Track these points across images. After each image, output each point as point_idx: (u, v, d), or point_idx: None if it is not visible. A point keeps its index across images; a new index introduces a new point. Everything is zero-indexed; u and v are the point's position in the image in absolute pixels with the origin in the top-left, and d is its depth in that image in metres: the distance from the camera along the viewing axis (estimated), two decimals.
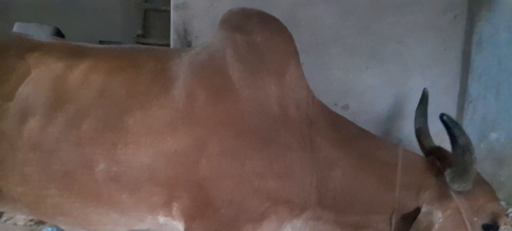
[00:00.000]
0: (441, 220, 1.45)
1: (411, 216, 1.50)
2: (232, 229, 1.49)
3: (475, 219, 1.45)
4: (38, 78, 1.50)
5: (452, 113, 2.47)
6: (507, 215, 1.95)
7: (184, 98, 1.45)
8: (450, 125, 1.39)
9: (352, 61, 2.35)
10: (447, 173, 1.45)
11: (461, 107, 2.43)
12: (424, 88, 1.85)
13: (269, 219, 1.51)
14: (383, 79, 2.39)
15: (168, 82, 1.48)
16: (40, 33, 2.97)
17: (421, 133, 1.80)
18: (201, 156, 1.43)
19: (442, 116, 1.41)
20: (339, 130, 1.60)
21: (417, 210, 1.50)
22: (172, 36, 2.17)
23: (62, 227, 1.68)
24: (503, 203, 2.08)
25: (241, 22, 1.61)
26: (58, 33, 3.17)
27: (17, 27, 3.26)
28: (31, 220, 2.49)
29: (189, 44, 2.12)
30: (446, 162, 1.52)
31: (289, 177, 1.49)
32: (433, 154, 1.64)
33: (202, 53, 1.57)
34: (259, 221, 1.50)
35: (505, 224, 1.86)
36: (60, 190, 1.48)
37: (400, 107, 2.40)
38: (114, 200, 1.50)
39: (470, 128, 2.35)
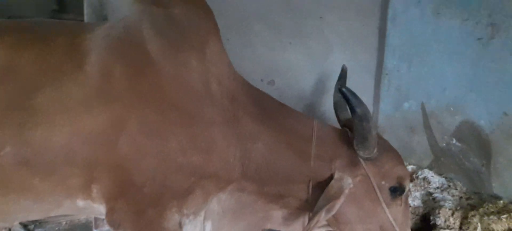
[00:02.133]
0: (351, 185, 1.54)
1: (326, 184, 1.58)
2: (157, 206, 1.45)
3: (383, 182, 1.56)
4: None
5: (370, 86, 2.62)
6: (416, 177, 2.12)
7: (99, 74, 1.36)
8: (348, 96, 1.46)
9: (276, 37, 2.38)
10: (356, 141, 1.54)
11: (378, 80, 2.58)
12: (343, 64, 1.93)
13: (194, 194, 1.50)
14: (306, 55, 2.46)
15: (81, 57, 1.38)
16: None
17: (338, 106, 1.89)
18: (120, 134, 1.36)
19: (340, 88, 1.48)
20: (259, 104, 1.62)
21: (331, 178, 1.58)
22: (86, 10, 2.02)
23: None
24: (414, 166, 2.27)
25: None
26: None
27: None
28: None
29: (104, 19, 1.99)
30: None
31: (213, 151, 1.49)
32: (347, 126, 1.73)
33: (117, 27, 1.47)
34: (184, 197, 1.48)
35: (414, 185, 2.02)
36: None
37: (323, 82, 2.48)
38: (24, 186, 1.38)
39: (387, 99, 2.51)
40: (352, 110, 1.47)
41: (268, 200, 1.70)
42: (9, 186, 1.39)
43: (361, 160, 1.56)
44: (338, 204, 1.50)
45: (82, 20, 2.45)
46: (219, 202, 1.68)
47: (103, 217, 1.60)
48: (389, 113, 2.50)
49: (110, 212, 1.49)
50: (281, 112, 1.67)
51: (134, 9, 1.52)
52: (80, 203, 1.50)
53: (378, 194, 1.55)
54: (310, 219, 1.54)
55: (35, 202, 1.46)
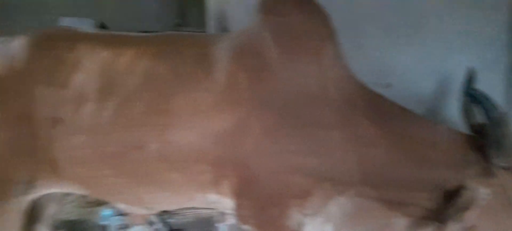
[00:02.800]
0: (484, 196, 1.43)
1: (454, 194, 1.49)
2: (278, 205, 1.56)
3: None
4: (88, 67, 1.62)
5: (500, 87, 2.37)
6: None
7: (226, 81, 1.54)
8: (481, 100, 1.38)
9: (390, 38, 2.30)
10: (492, 148, 1.43)
11: (510, 82, 2.33)
12: (469, 67, 1.80)
13: (313, 195, 1.56)
14: (424, 57, 2.33)
15: (211, 66, 1.56)
16: (84, 26, 3.14)
17: (466, 110, 1.76)
18: (244, 135, 1.51)
19: (471, 91, 1.40)
20: (379, 108, 1.60)
21: (460, 187, 1.48)
22: (209, 22, 2.22)
23: (123, 205, 1.81)
24: None
25: (277, 5, 1.65)
26: (102, 27, 3.33)
27: (61, 22, 3.46)
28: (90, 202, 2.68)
29: (225, 30, 2.17)
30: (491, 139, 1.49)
31: (330, 154, 1.53)
32: (478, 132, 1.61)
33: (240, 37, 1.64)
34: (304, 197, 1.55)
35: None
36: (114, 170, 1.61)
37: (443, 85, 2.33)
38: (165, 180, 1.60)
39: None
40: (487, 114, 1.38)
41: (389, 207, 1.66)
42: (153, 179, 1.62)
43: (496, 169, 1.44)
44: (470, 215, 1.41)
45: (203, 32, 2.67)
46: (338, 206, 1.70)
47: (231, 211, 1.75)
48: None
49: (238, 207, 1.63)
50: (402, 117, 1.63)
51: (255, 20, 1.65)
52: (211, 197, 1.68)
53: None
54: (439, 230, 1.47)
55: (172, 194, 1.68)
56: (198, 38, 1.74)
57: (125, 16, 4.15)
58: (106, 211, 2.75)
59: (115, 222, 2.82)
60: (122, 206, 1.84)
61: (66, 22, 3.19)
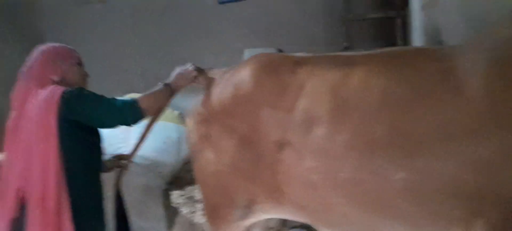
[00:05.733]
0: None
1: None
2: None
3: None
4: (314, 90, 1.58)
5: None
6: None
7: (485, 100, 1.29)
8: None
9: None
10: None
11: None
12: None
13: None
14: None
15: (459, 82, 1.35)
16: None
17: None
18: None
19: None
20: None
21: None
22: (420, 38, 2.05)
23: None
24: None
25: None
26: (280, 52, 3.44)
27: (246, 53, 3.72)
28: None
29: (440, 44, 1.97)
30: None
31: None
32: None
33: (495, 47, 1.37)
34: None
35: None
36: (347, 198, 1.50)
37: None
38: (404, 212, 1.44)
39: None
40: None
41: None
42: (390, 211, 1.46)
43: None
44: None
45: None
46: None
47: None
48: None
49: None
50: None
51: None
52: None
53: None
54: None
55: (408, 228, 1.48)
56: (433, 52, 1.53)
57: (296, 43, 4.27)
58: None
59: None
60: None
61: (251, 52, 3.40)
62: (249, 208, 1.84)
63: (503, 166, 1.26)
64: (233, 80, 1.82)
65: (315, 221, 1.72)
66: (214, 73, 2.02)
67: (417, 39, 2.21)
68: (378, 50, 1.68)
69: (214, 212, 2.00)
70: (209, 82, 1.98)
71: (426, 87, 1.40)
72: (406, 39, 3.46)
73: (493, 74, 1.32)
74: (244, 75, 1.78)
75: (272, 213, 1.86)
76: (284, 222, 2.69)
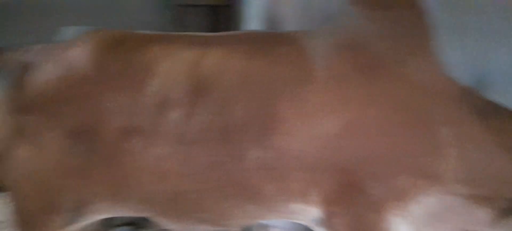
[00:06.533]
0: None
1: None
2: (378, 210, 1.47)
3: None
4: (169, 70, 1.47)
5: None
6: None
7: (334, 80, 1.42)
8: None
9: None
10: None
11: None
12: None
13: (413, 195, 1.50)
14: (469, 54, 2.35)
15: (310, 65, 1.45)
16: None
17: None
18: (355, 138, 1.41)
19: None
20: (476, 103, 1.58)
21: None
22: (256, 26, 2.11)
23: (190, 226, 1.64)
24: None
25: None
26: None
27: (64, 33, 3.19)
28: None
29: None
30: None
31: (437, 151, 1.48)
32: None
33: (338, 32, 1.53)
34: (405, 198, 1.49)
35: None
36: (203, 184, 1.45)
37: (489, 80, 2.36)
38: (256, 191, 1.47)
39: None
40: None
41: (477, 202, 1.64)
42: (244, 191, 1.48)
43: None
44: None
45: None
46: (424, 205, 1.65)
47: (311, 222, 1.65)
48: None
49: (328, 216, 1.52)
50: (494, 108, 1.61)
51: (353, 13, 1.56)
52: (294, 207, 1.55)
53: None
54: None
55: (258, 206, 1.54)
56: (283, 37, 1.60)
57: (123, 27, 3.92)
58: None
59: None
60: (191, 226, 1.66)
61: (72, 31, 2.94)
62: (78, 210, 1.60)
63: (342, 139, 1.41)
64: (64, 60, 1.55)
65: (161, 213, 1.60)
66: (28, 53, 1.65)
67: (254, 28, 2.28)
68: (234, 32, 1.69)
69: (29, 223, 1.67)
70: (17, 63, 1.61)
71: (282, 70, 1.46)
72: (240, 27, 3.59)
73: (337, 58, 1.45)
74: (79, 54, 1.53)
75: (109, 212, 1.66)
76: (106, 221, 2.44)
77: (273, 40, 1.55)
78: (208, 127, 1.40)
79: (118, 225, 2.55)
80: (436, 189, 1.56)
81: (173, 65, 1.47)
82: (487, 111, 1.59)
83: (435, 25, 1.56)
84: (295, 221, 1.77)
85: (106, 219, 2.27)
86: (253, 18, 2.27)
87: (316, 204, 1.52)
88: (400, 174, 1.44)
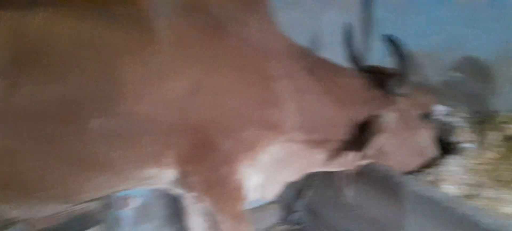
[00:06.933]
0: (393, 119, 1.76)
1: (366, 123, 1.79)
2: (230, 162, 1.56)
3: (416, 112, 1.81)
4: None
5: (360, 37, 2.84)
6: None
7: (175, 40, 1.40)
8: (396, 43, 1.67)
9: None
10: (392, 82, 1.74)
11: (367, 31, 2.82)
12: (347, 22, 2.11)
13: (260, 146, 1.64)
14: (304, 15, 2.60)
15: (151, 26, 1.39)
16: None
17: (356, 58, 2.09)
18: (201, 96, 1.44)
19: (388, 37, 1.67)
20: (306, 58, 1.76)
21: (370, 118, 1.78)
22: None
23: (35, 208, 1.48)
24: None
25: None
26: None
27: None
28: None
29: None
30: (385, 74, 1.82)
31: (277, 104, 1.62)
32: (372, 71, 1.94)
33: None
34: (253, 149, 1.61)
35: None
36: (42, 159, 1.31)
37: (320, 39, 2.65)
38: (105, 161, 1.40)
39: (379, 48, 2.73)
40: (399, 54, 1.68)
41: (314, 146, 1.87)
42: (89, 162, 1.39)
43: (396, 97, 1.78)
44: (382, 137, 1.71)
45: None
46: (269, 153, 1.81)
47: (168, 184, 1.66)
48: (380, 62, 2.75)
49: (184, 175, 1.56)
50: (323, 65, 1.83)
51: None
52: (149, 172, 1.55)
53: (412, 122, 1.80)
54: (360, 155, 1.74)
55: (108, 178, 1.48)
56: None
57: None
58: None
59: None
60: (35, 207, 1.51)
61: None
62: None
63: (191, 100, 1.43)
64: None
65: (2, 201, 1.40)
66: None
67: None
68: None
69: None
70: None
71: (121, 32, 1.36)
72: None
73: (177, 18, 1.44)
74: None
75: None
76: None
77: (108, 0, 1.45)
78: (38, 99, 1.24)
79: None
80: (279, 138, 1.72)
81: None
82: (318, 67, 1.81)
83: None
84: (152, 186, 1.76)
85: None
86: None
87: (171, 166, 1.54)
88: (247, 128, 1.54)
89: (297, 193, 2.53)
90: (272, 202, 2.78)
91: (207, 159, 1.53)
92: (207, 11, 1.50)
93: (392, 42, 1.66)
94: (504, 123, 1.82)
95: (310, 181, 2.36)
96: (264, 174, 1.87)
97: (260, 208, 2.75)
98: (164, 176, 1.60)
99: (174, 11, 1.45)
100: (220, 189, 1.60)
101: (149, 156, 1.48)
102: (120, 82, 1.33)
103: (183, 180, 1.57)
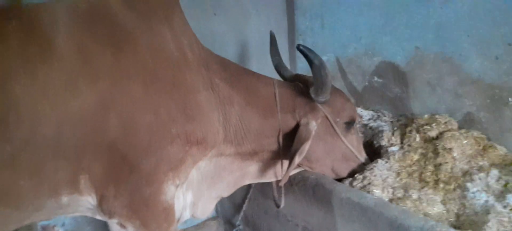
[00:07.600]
0: (315, 127, 1.76)
1: (293, 132, 1.78)
2: (153, 183, 1.45)
3: (338, 119, 1.83)
4: None
5: (285, 46, 2.89)
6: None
7: (77, 55, 1.28)
8: (306, 52, 1.65)
9: (201, 9, 2.42)
10: (312, 90, 1.74)
11: (292, 41, 2.86)
12: (270, 31, 2.10)
13: (185, 163, 1.54)
14: (228, 25, 2.57)
15: (50, 38, 1.26)
16: None
17: (280, 67, 2.09)
18: (110, 113, 1.31)
19: (298, 46, 1.66)
20: (227, 69, 1.71)
21: (297, 126, 1.78)
22: None
23: None
24: None
25: None
26: None
27: None
28: None
29: None
30: (308, 83, 1.83)
31: (201, 117, 1.54)
32: (296, 80, 1.95)
33: (78, 4, 1.36)
34: (178, 167, 1.51)
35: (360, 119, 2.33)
36: None
37: (244, 49, 2.65)
38: (6, 191, 1.24)
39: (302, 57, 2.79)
40: (311, 62, 1.67)
41: (244, 158, 1.82)
42: (8, 196, 1.25)
43: (319, 104, 1.79)
44: (308, 145, 1.71)
45: None
46: (198, 169, 1.74)
47: (88, 211, 1.52)
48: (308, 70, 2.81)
49: (102, 200, 1.43)
50: (245, 75, 1.79)
51: None
52: (65, 199, 1.40)
53: (336, 129, 1.83)
54: (289, 164, 1.71)
55: (16, 209, 1.32)
56: (11, 9, 1.32)
57: None
58: None
59: None
60: None
61: None
62: None
63: (99, 117, 1.30)
64: None
65: None
66: None
67: None
68: None
69: None
70: None
71: (15, 47, 1.23)
72: None
73: (80, 31, 1.31)
74: None
75: None
76: None
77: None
78: None
79: None
80: (206, 153, 1.65)
81: None
82: (239, 78, 1.76)
83: None
84: (71, 215, 1.61)
85: None
86: None
87: (88, 192, 1.41)
88: (168, 144, 1.45)
89: (236, 207, 2.48)
90: (213, 218, 2.71)
91: (127, 181, 1.41)
92: (111, 21, 1.37)
93: (301, 51, 1.65)
94: (424, 125, 1.91)
95: (247, 193, 2.32)
96: (196, 191, 1.80)
97: (202, 225, 2.68)
98: (82, 203, 1.45)
99: (73, 24, 1.32)
100: (145, 212, 1.49)
101: (61, 183, 1.34)
102: (13, 105, 1.19)
103: (102, 206, 1.44)
